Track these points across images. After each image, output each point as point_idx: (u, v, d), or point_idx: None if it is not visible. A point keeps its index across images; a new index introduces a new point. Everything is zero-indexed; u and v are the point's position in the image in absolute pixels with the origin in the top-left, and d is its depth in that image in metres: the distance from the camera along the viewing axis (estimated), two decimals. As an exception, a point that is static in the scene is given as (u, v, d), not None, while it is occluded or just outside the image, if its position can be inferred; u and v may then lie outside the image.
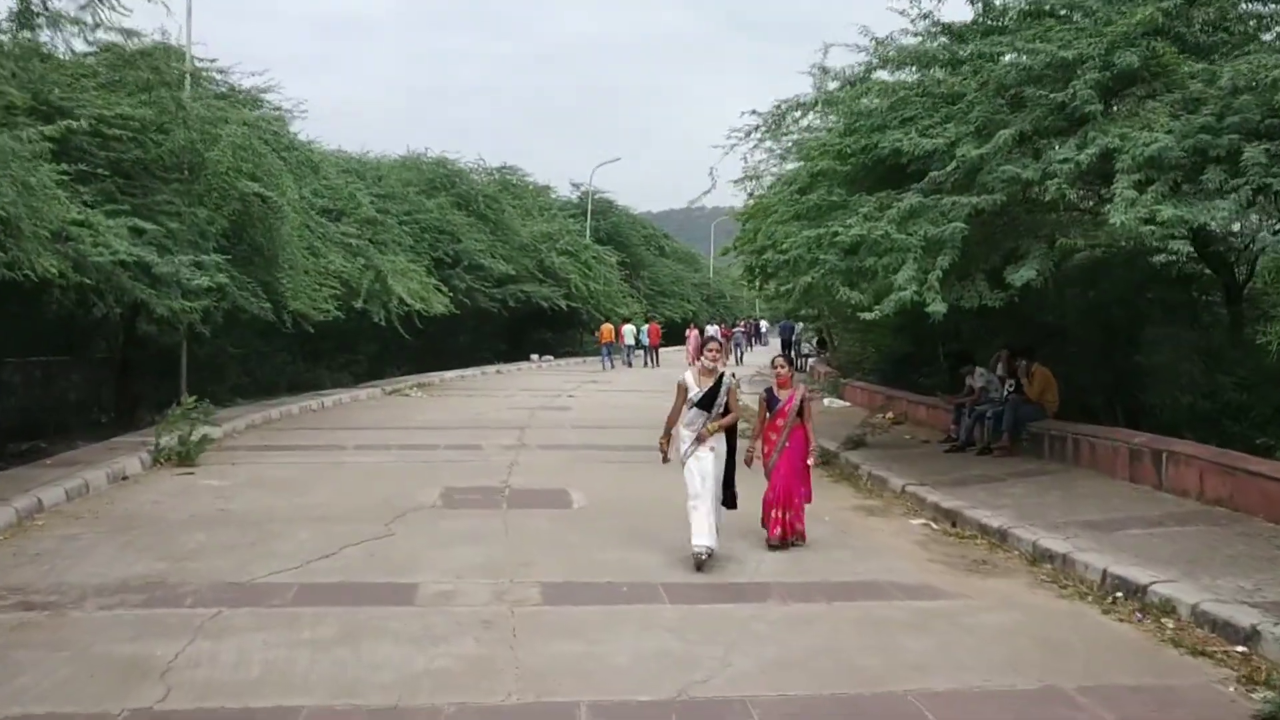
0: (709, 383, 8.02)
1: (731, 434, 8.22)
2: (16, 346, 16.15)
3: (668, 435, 8.28)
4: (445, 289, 28.56)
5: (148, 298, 11.92)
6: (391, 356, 30.16)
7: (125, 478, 11.46)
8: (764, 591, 7.27)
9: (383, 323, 23.88)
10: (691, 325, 42.76)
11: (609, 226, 53.73)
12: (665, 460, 8.30)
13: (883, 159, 12.19)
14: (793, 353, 35.09)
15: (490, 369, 34.12)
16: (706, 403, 7.98)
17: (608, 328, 39.14)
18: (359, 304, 23.04)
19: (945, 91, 12.11)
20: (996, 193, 10.31)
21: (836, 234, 11.05)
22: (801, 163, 14.34)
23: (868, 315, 10.58)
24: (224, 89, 21.46)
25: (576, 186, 58.55)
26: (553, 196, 53.13)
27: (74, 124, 11.37)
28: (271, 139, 18.20)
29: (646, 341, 40.26)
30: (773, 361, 9.08)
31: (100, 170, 12.39)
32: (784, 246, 12.06)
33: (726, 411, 8.08)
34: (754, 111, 18.76)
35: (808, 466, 8.65)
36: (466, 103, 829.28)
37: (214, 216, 14.38)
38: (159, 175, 14.17)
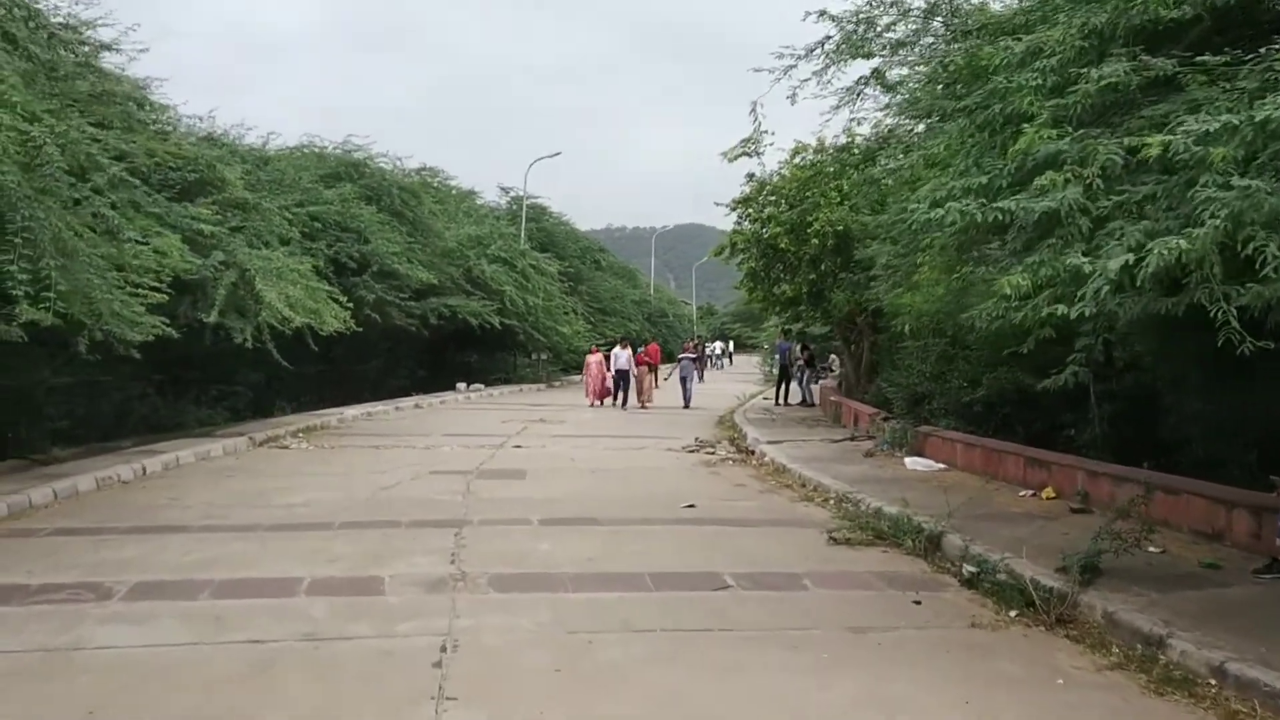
0: None
1: None
2: None
3: None
4: (347, 299, 21.08)
5: None
6: (284, 386, 22.72)
7: None
8: None
9: (247, 343, 16.62)
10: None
11: (543, 235, 46.91)
12: None
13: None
14: (795, 382, 28.36)
15: (406, 403, 26.76)
16: None
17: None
18: (209, 317, 15.81)
19: None
20: None
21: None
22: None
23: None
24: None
25: (506, 191, 51.73)
26: (478, 202, 46.13)
27: None
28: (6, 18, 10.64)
29: (625, 367, 28.51)
30: None
31: None
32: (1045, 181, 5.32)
33: None
34: (823, 13, 12.36)
35: None
36: (380, 126, 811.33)
37: None
38: None
